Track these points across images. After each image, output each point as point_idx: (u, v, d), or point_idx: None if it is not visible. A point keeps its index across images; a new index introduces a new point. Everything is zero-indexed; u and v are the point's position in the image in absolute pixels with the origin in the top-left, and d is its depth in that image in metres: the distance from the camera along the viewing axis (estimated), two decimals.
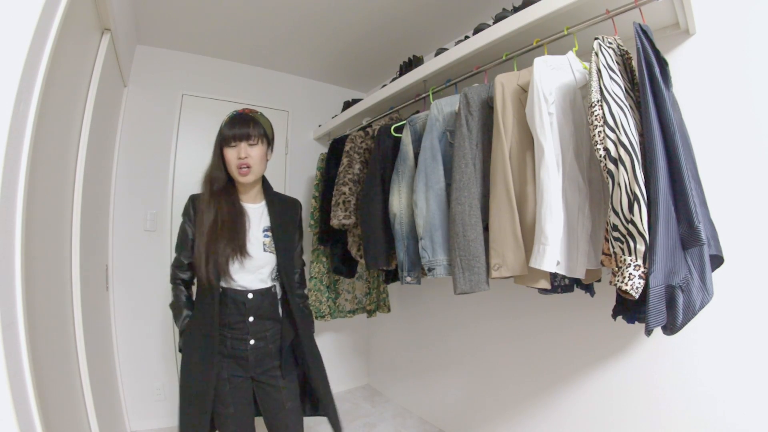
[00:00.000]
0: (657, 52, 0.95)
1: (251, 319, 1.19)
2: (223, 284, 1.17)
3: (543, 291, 1.26)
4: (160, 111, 2.24)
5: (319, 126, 2.69)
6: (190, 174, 2.28)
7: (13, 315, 0.77)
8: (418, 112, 1.67)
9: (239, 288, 1.18)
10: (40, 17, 0.80)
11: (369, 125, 2.01)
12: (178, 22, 2.02)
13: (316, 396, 1.29)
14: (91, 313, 1.49)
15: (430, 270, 1.31)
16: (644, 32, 0.94)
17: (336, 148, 2.13)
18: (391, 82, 1.91)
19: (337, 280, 2.30)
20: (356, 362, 2.86)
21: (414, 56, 1.89)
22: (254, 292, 1.19)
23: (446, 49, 1.55)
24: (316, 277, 2.23)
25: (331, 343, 2.72)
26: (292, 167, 2.63)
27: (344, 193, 1.82)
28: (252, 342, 1.19)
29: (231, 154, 1.18)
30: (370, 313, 2.37)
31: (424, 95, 1.70)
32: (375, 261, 1.59)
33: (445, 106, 1.39)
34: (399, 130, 1.63)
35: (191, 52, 2.33)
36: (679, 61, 1.21)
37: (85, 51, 1.34)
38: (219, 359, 1.15)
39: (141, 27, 2.03)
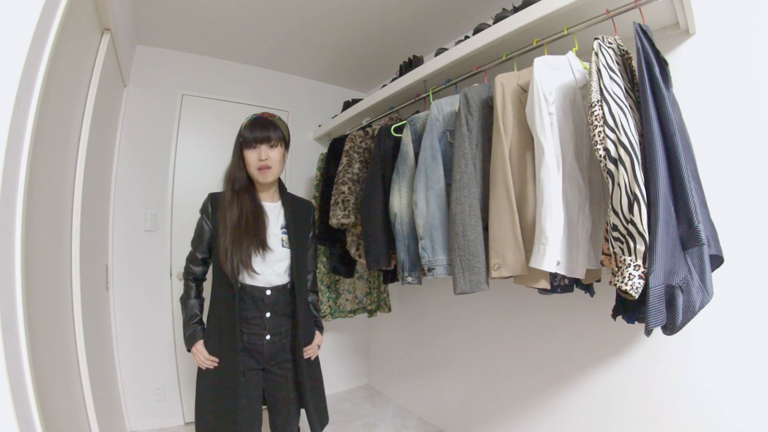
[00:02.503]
0: (657, 52, 0.95)
1: (268, 314, 1.24)
2: (243, 281, 1.22)
3: (543, 291, 1.26)
4: (160, 111, 2.24)
5: (319, 126, 2.69)
6: (190, 174, 2.29)
7: (13, 315, 0.77)
8: (418, 112, 1.67)
9: (258, 285, 1.23)
10: (40, 17, 0.80)
11: (369, 125, 2.01)
12: (178, 22, 2.02)
13: (300, 390, 1.29)
14: (91, 313, 1.49)
15: (430, 270, 1.31)
16: (644, 32, 0.94)
17: (336, 148, 2.13)
18: (391, 82, 1.91)
19: (337, 280, 2.31)
20: (356, 362, 2.86)
21: (414, 56, 1.89)
22: (272, 288, 1.24)
23: (446, 49, 1.55)
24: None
25: (332, 343, 2.72)
26: (292, 167, 2.63)
27: (343, 193, 1.83)
28: (268, 337, 1.24)
29: (252, 156, 1.23)
30: (371, 312, 2.37)
31: (424, 95, 1.70)
32: (376, 261, 1.59)
33: (445, 106, 1.39)
34: (399, 130, 1.64)
35: (191, 52, 2.33)
36: (679, 61, 1.21)
37: (85, 51, 1.34)
38: (241, 354, 1.20)
39: (141, 27, 2.03)
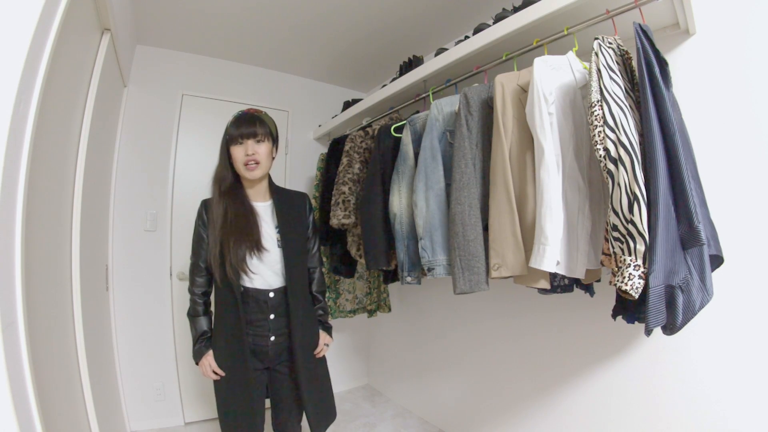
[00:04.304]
0: (657, 52, 0.95)
1: (272, 316, 1.24)
2: (244, 284, 1.21)
3: (543, 291, 1.26)
4: (160, 111, 2.24)
5: (319, 126, 2.69)
6: (190, 174, 2.29)
7: (13, 315, 0.77)
8: (418, 112, 1.67)
9: (261, 287, 1.22)
10: (40, 17, 0.80)
11: (369, 125, 2.01)
12: (178, 22, 2.02)
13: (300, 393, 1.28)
14: (91, 313, 1.49)
15: (430, 270, 1.31)
16: (644, 32, 0.94)
17: (336, 148, 2.13)
18: (391, 82, 1.91)
19: (337, 280, 2.31)
20: (356, 362, 2.86)
21: (414, 56, 1.89)
22: (275, 291, 1.24)
23: (446, 49, 1.55)
24: None
25: (332, 343, 2.71)
26: (292, 167, 2.63)
27: (344, 193, 1.82)
28: (273, 338, 1.24)
29: (238, 152, 1.22)
30: (371, 312, 2.37)
31: (424, 95, 1.70)
32: (375, 261, 1.59)
33: (445, 106, 1.39)
34: (399, 130, 1.63)
35: (191, 52, 2.33)
36: (679, 61, 1.21)
37: (85, 51, 1.34)
38: (250, 356, 1.20)
39: (141, 27, 2.03)
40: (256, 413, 1.22)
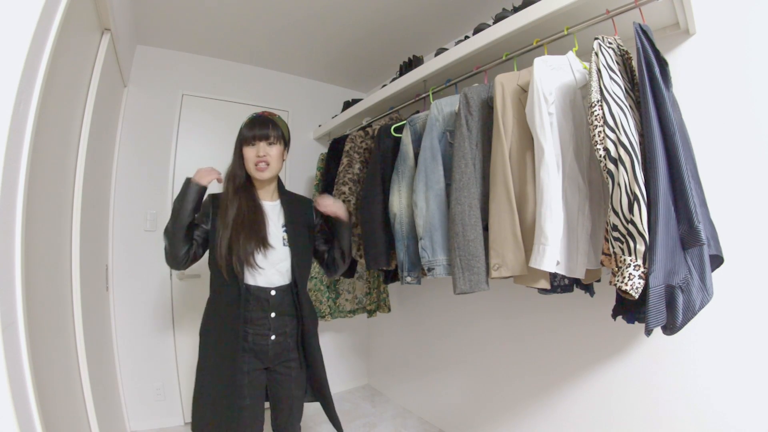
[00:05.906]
0: (657, 52, 0.95)
1: (273, 315, 1.24)
2: (246, 281, 1.21)
3: (543, 291, 1.26)
4: (160, 111, 2.24)
5: (319, 126, 2.69)
6: (190, 174, 2.28)
7: (13, 315, 0.77)
8: (418, 112, 1.67)
9: (263, 285, 1.23)
10: (40, 17, 0.80)
11: (369, 125, 2.01)
12: (178, 22, 2.02)
13: (315, 385, 1.35)
14: (91, 313, 1.49)
15: (429, 270, 1.31)
16: (644, 32, 0.94)
17: (336, 148, 2.13)
18: (391, 82, 1.91)
19: (337, 280, 2.30)
20: (356, 362, 2.86)
21: (414, 56, 1.89)
22: (277, 289, 1.25)
23: (446, 49, 1.55)
24: (316, 277, 2.23)
25: (331, 343, 2.72)
26: (292, 167, 2.63)
27: (344, 193, 1.83)
28: (273, 337, 1.24)
29: (250, 152, 1.25)
30: (371, 313, 2.37)
31: (424, 95, 1.70)
32: (375, 261, 1.59)
33: (445, 106, 1.39)
34: (399, 130, 1.64)
35: (191, 52, 2.33)
36: (679, 61, 1.21)
37: (85, 51, 1.34)
38: (241, 355, 1.20)
39: (141, 27, 2.03)
40: (253, 415, 1.21)
